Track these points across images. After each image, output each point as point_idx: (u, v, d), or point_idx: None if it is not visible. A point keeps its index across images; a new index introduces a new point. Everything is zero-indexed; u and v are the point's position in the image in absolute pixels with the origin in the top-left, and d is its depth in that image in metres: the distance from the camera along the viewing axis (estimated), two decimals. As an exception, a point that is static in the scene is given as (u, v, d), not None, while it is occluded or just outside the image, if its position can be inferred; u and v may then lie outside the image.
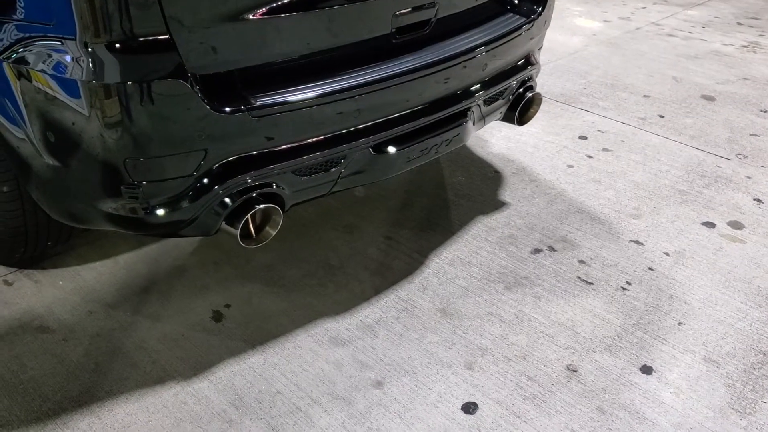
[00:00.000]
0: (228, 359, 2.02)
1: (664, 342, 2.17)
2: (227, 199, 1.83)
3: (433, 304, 2.28)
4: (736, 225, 2.77)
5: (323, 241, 2.56)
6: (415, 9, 2.07)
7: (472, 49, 2.22)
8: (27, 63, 1.71)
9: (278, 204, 1.92)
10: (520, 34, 2.40)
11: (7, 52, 1.74)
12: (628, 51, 4.58)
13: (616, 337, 2.18)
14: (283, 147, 1.89)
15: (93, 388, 1.91)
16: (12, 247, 2.21)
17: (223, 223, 1.87)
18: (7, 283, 2.29)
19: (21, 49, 1.72)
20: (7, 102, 1.82)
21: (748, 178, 3.10)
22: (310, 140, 1.92)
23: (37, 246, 2.24)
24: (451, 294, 2.32)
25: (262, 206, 1.85)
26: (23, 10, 1.69)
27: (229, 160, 1.82)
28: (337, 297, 2.29)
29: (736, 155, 3.30)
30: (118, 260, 2.41)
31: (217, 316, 2.19)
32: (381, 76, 1.98)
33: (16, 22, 1.72)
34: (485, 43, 2.26)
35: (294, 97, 1.85)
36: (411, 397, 1.93)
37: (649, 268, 2.50)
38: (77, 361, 2.00)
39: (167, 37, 1.63)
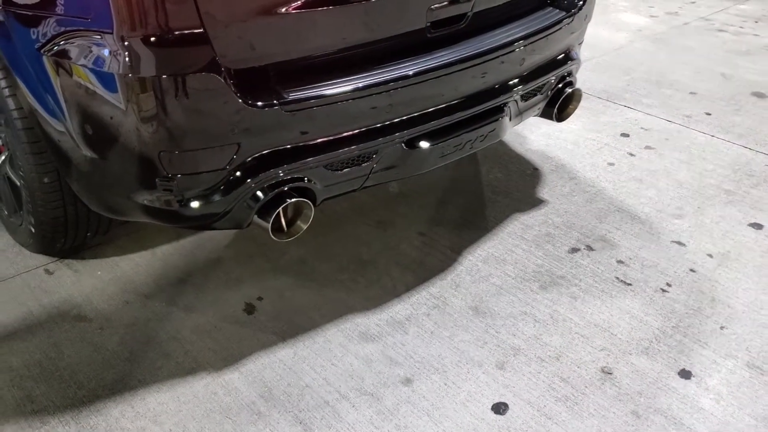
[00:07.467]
0: (258, 351, 2.04)
1: (704, 346, 2.10)
2: (259, 193, 1.84)
3: (466, 302, 2.25)
4: (784, 227, 2.67)
5: (356, 237, 2.55)
6: (450, 2, 2.04)
7: (510, 44, 2.18)
8: (66, 56, 1.74)
9: (310, 198, 1.92)
10: (560, 29, 2.35)
11: (47, 46, 1.78)
12: (674, 47, 4.45)
13: (653, 340, 2.12)
14: (316, 141, 1.88)
15: (127, 377, 1.95)
16: (53, 238, 2.26)
17: (255, 216, 1.88)
18: (48, 272, 2.34)
19: (61, 43, 1.75)
20: (48, 95, 1.86)
21: (799, 178, 2.99)
22: (343, 135, 1.92)
23: (77, 236, 2.29)
24: (484, 292, 2.29)
25: (293, 200, 1.86)
26: (62, 5, 1.73)
27: (261, 154, 1.82)
28: (368, 292, 2.28)
29: (787, 154, 3.18)
30: (155, 252, 2.45)
31: (250, 309, 2.20)
32: (415, 71, 1.96)
33: (55, 17, 1.75)
34: (523, 38, 2.21)
35: (327, 92, 1.84)
36: (440, 396, 1.91)
37: (691, 270, 2.42)
38: (112, 350, 2.03)
39: (201, 31, 1.64)
